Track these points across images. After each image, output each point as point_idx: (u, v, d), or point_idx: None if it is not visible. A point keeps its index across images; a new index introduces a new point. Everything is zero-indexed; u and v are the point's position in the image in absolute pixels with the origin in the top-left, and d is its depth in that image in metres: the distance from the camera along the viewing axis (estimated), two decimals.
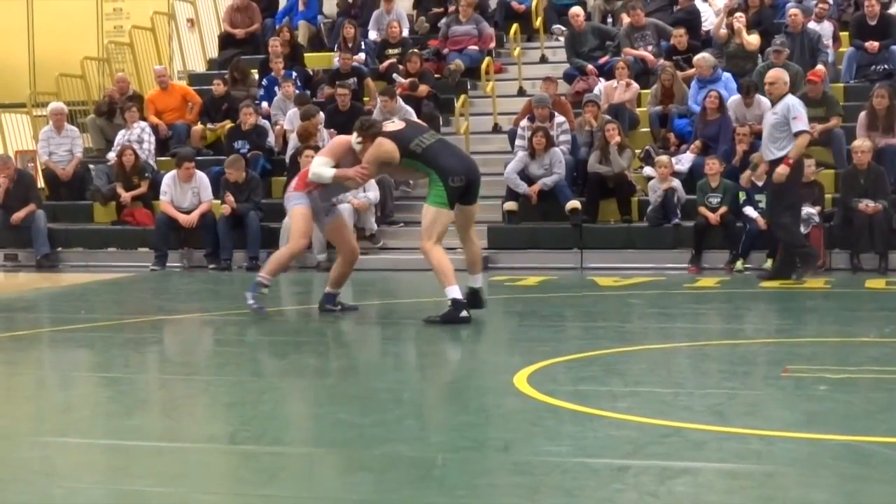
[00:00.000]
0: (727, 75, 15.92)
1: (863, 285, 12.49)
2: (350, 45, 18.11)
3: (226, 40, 20.03)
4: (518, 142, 15.68)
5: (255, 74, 18.30)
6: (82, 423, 6.45)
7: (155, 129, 17.37)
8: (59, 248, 16.34)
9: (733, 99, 15.31)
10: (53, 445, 5.78)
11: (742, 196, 14.06)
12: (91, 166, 17.30)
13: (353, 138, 9.96)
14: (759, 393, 6.92)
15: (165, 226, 15.34)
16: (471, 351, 8.86)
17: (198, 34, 21.11)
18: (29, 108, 19.23)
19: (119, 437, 5.96)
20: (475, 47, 18.24)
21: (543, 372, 7.37)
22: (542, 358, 7.84)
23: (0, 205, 16.15)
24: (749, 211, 13.94)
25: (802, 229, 13.72)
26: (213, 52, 20.66)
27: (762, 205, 13.96)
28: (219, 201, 15.34)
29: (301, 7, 19.89)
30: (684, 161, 15.05)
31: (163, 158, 17.09)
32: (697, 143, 15.08)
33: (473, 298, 10.07)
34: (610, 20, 18.91)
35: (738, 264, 13.85)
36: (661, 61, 16.76)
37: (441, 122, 17.49)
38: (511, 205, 15.23)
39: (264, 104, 17.44)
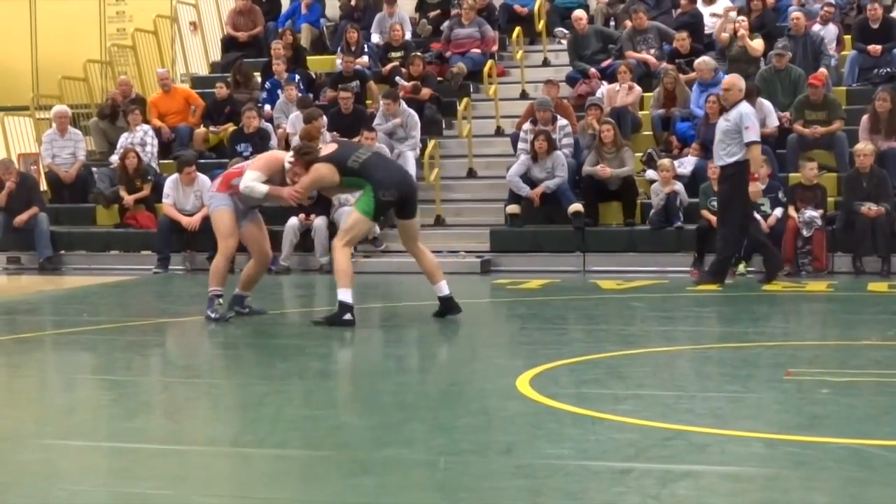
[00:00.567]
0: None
1: (865, 288, 12.49)
2: (353, 48, 18.12)
3: (228, 43, 20.04)
4: (520, 145, 15.69)
5: (258, 77, 18.31)
6: (85, 425, 6.45)
7: (158, 131, 17.38)
8: (62, 251, 16.35)
9: None
10: (56, 448, 5.78)
11: None
12: (94, 169, 17.32)
13: (287, 156, 10.13)
14: (762, 396, 6.92)
15: (168, 228, 15.35)
16: (473, 354, 8.86)
17: (200, 37, 21.12)
18: (32, 110, 19.24)
19: (121, 439, 5.96)
20: (478, 50, 18.24)
21: (546, 375, 7.38)
22: (544, 361, 7.84)
23: (3, 207, 16.16)
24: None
25: (805, 232, 13.75)
26: (216, 55, 20.67)
27: (765, 208, 13.96)
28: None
29: (304, 10, 19.89)
30: (687, 164, 15.05)
31: (165, 161, 17.11)
32: (695, 144, 15.06)
33: (447, 306, 10.22)
34: (612, 23, 18.92)
35: (741, 267, 13.83)
36: (664, 64, 16.76)
37: (443, 126, 17.53)
38: (513, 208, 15.23)
39: (267, 107, 17.45)
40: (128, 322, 10.17)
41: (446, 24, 18.75)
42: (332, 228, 14.93)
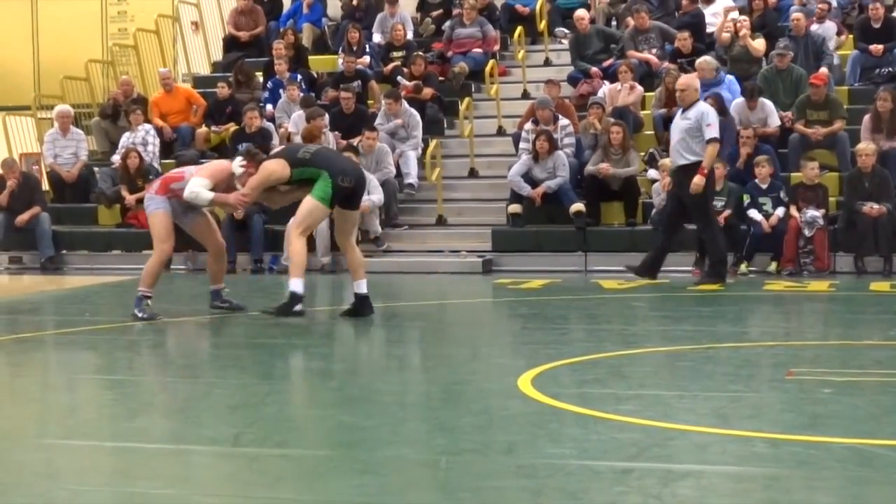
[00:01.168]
0: (730, 78, 15.91)
1: (867, 288, 12.49)
2: (354, 48, 18.12)
3: (230, 43, 20.05)
4: (522, 144, 15.70)
5: (260, 77, 18.31)
6: (86, 425, 6.45)
7: (159, 131, 17.39)
8: (64, 251, 16.37)
9: (737, 102, 15.30)
10: (57, 448, 5.78)
11: (746, 199, 14.06)
12: (95, 169, 17.33)
13: (236, 163, 10.20)
14: (764, 396, 6.92)
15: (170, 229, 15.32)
16: (474, 353, 8.86)
17: (202, 37, 21.12)
18: (33, 110, 19.25)
19: (123, 439, 5.96)
20: (479, 50, 18.24)
21: (547, 374, 7.37)
22: (546, 360, 7.84)
23: (5, 207, 16.17)
24: (753, 214, 13.94)
25: (807, 232, 13.75)
26: (218, 54, 20.67)
27: (766, 207, 13.97)
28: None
29: (305, 10, 19.90)
30: None
31: (167, 161, 17.10)
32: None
33: (361, 305, 10.21)
34: (614, 23, 18.92)
35: (743, 267, 13.85)
36: (666, 64, 16.76)
37: (445, 125, 17.54)
38: (515, 207, 15.23)
39: (269, 107, 17.45)
40: (129, 322, 10.16)
41: (448, 23, 18.75)
42: (334, 227, 14.94)
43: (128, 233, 16.25)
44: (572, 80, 17.59)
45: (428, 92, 17.30)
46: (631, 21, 17.82)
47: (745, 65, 16.44)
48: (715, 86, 15.66)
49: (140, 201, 16.16)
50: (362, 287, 10.19)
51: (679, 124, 12.57)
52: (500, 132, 17.50)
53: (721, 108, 15.04)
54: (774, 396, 6.85)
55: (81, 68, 19.69)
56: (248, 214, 15.11)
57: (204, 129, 17.59)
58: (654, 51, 17.26)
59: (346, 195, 9.96)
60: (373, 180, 15.22)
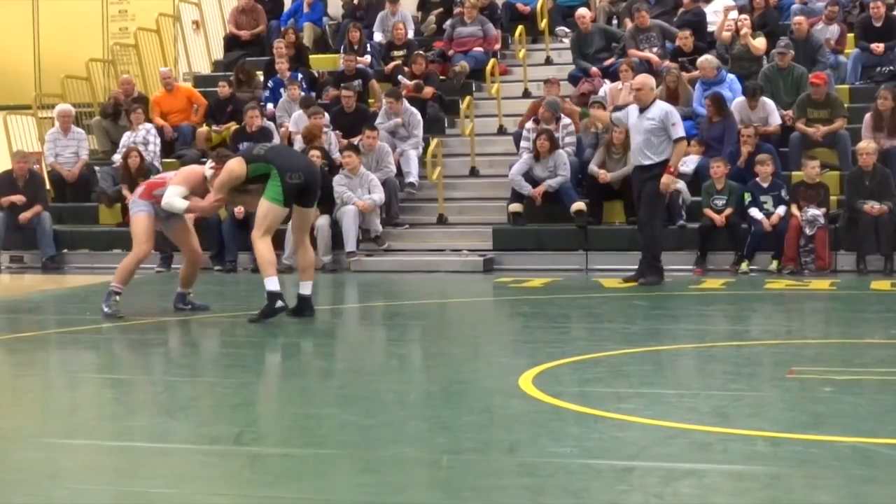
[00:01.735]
0: (731, 77, 15.91)
1: (868, 287, 12.48)
2: (355, 46, 18.12)
3: (231, 42, 20.05)
4: (523, 143, 15.70)
5: (261, 76, 18.31)
6: (87, 424, 6.45)
7: (160, 130, 17.39)
8: (65, 250, 16.38)
9: (738, 101, 15.30)
10: (58, 447, 5.78)
11: (747, 198, 14.06)
12: (96, 168, 17.34)
13: (207, 166, 10.36)
14: (765, 394, 6.92)
15: None
16: (476, 352, 8.86)
17: (203, 36, 21.12)
18: (34, 109, 19.25)
19: (124, 438, 5.96)
20: (480, 49, 18.24)
21: (549, 373, 7.38)
22: (547, 359, 7.84)
23: (7, 205, 16.16)
24: (754, 212, 13.95)
25: (808, 231, 13.75)
26: (219, 53, 20.68)
27: (767, 206, 13.97)
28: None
29: (306, 9, 19.91)
30: (689, 163, 15.03)
31: (168, 160, 17.10)
32: (695, 142, 15.04)
33: (302, 305, 10.25)
34: (615, 21, 18.91)
35: (744, 266, 13.85)
36: (666, 63, 16.76)
37: (446, 124, 17.53)
38: (516, 206, 15.23)
39: (269, 106, 17.45)
40: (130, 321, 10.16)
41: (449, 22, 18.75)
42: (335, 227, 14.97)
43: (128, 232, 16.17)
44: (573, 79, 17.59)
45: (429, 91, 17.30)
46: (629, 21, 17.85)
47: (746, 63, 16.44)
48: (716, 84, 15.67)
49: None
50: (307, 289, 10.26)
51: (641, 125, 12.44)
52: (501, 131, 17.49)
53: (721, 107, 15.07)
54: (775, 395, 6.85)
55: (82, 67, 19.70)
56: (249, 214, 15.11)
57: (205, 128, 17.58)
58: (654, 49, 17.26)
59: (299, 192, 9.98)
60: (373, 179, 15.24)
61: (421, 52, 17.91)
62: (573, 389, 6.99)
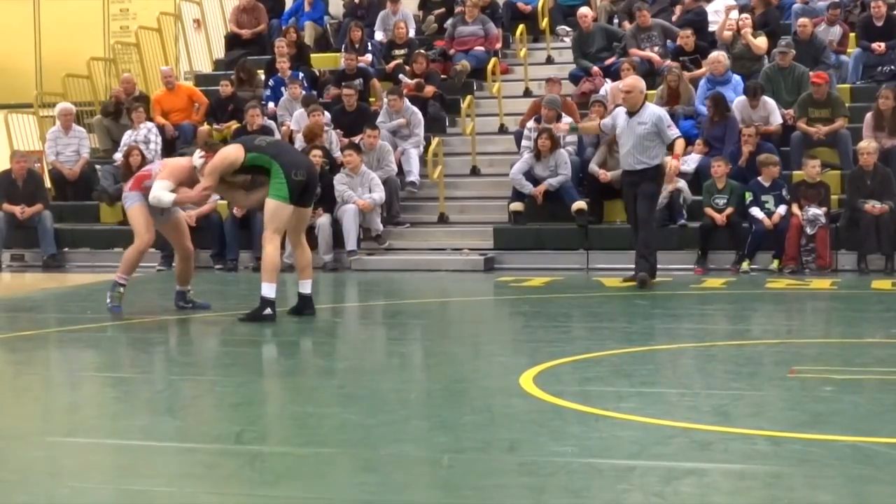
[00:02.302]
0: (737, 78, 15.91)
1: (869, 286, 12.49)
2: (356, 45, 18.12)
3: (232, 41, 20.05)
4: (524, 142, 15.70)
5: (262, 75, 18.32)
6: (89, 422, 6.46)
7: (161, 129, 17.40)
8: (66, 249, 16.38)
9: (739, 100, 15.30)
10: (60, 445, 5.79)
11: (748, 197, 14.07)
12: (97, 167, 17.34)
13: (195, 156, 10.27)
14: (765, 394, 6.92)
15: None
16: (476, 351, 8.86)
17: (204, 35, 21.12)
18: (35, 108, 19.26)
19: (125, 437, 5.97)
20: (481, 48, 18.24)
21: (549, 372, 7.38)
22: (548, 358, 7.84)
23: (9, 202, 16.17)
24: (755, 212, 13.95)
25: (809, 230, 13.75)
26: (220, 52, 20.68)
27: (769, 205, 13.97)
28: (225, 202, 15.34)
29: (307, 7, 19.91)
30: (690, 162, 15.04)
31: (169, 159, 17.10)
32: (699, 142, 15.06)
33: (303, 304, 10.22)
34: (616, 21, 18.92)
35: (745, 265, 13.86)
36: (668, 62, 16.76)
37: (447, 123, 17.53)
38: (517, 205, 15.23)
39: (270, 105, 17.46)
40: (131, 319, 10.17)
41: (450, 21, 18.75)
42: (336, 226, 14.97)
43: (129, 231, 16.13)
44: (574, 79, 17.59)
45: (430, 90, 17.30)
46: (626, 23, 17.85)
47: (748, 62, 16.44)
48: (722, 84, 15.69)
49: None
50: (307, 287, 10.21)
51: (632, 129, 12.16)
52: (502, 130, 17.49)
53: (722, 106, 15.07)
54: (776, 394, 6.85)
55: (83, 66, 19.70)
56: (250, 213, 15.13)
57: (206, 126, 17.59)
58: (655, 49, 17.26)
59: (301, 190, 9.94)
60: (374, 178, 15.24)
61: (422, 51, 17.91)
62: (574, 388, 6.99)
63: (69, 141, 17.38)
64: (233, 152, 10.01)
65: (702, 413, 6.24)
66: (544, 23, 19.26)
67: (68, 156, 17.34)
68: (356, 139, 15.94)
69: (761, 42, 16.50)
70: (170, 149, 17.49)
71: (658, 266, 12.72)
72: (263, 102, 17.39)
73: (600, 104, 15.76)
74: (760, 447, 5.46)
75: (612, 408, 6.25)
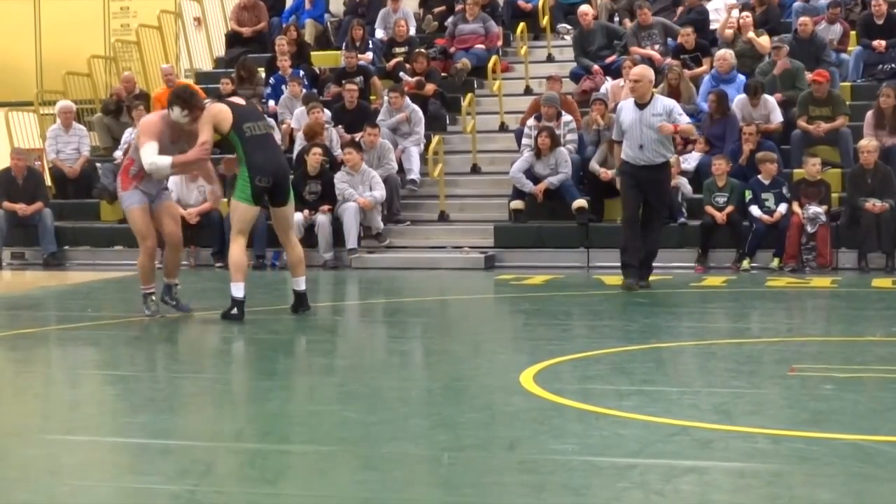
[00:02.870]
0: (742, 77, 15.91)
1: (869, 284, 12.49)
2: (357, 43, 18.12)
3: (233, 39, 20.05)
4: (524, 141, 15.69)
5: (262, 73, 18.31)
6: (89, 420, 6.46)
7: None
8: (66, 247, 16.37)
9: (739, 98, 15.31)
10: (60, 443, 5.78)
11: (749, 195, 14.06)
12: (98, 165, 17.34)
13: (177, 113, 9.78)
14: (766, 392, 6.92)
15: None
16: (477, 349, 8.86)
17: (205, 33, 21.13)
18: (36, 106, 19.26)
19: (125, 434, 5.97)
20: (482, 46, 18.23)
21: (550, 370, 7.38)
22: (548, 356, 7.84)
23: (9, 200, 16.17)
24: (755, 210, 13.95)
25: (809, 228, 13.75)
26: (220, 50, 20.68)
27: (769, 204, 13.97)
28: (225, 199, 15.33)
29: (307, 5, 19.91)
30: (691, 160, 15.05)
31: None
32: (700, 139, 15.05)
33: (298, 301, 10.17)
34: (617, 19, 18.92)
35: (745, 263, 13.86)
36: (668, 60, 16.76)
37: (447, 121, 17.53)
38: (517, 204, 15.23)
39: (271, 103, 17.46)
40: (131, 317, 10.17)
41: (450, 19, 18.75)
42: (336, 223, 14.96)
43: (130, 229, 16.22)
44: (574, 77, 17.59)
45: (430, 88, 17.30)
46: (627, 21, 17.85)
47: (749, 60, 16.44)
48: (727, 82, 15.69)
49: None
50: (300, 284, 10.17)
51: (646, 121, 11.60)
52: (503, 128, 17.49)
53: (724, 105, 15.06)
54: (776, 392, 6.85)
55: (84, 64, 19.70)
56: None
57: None
58: (656, 47, 17.26)
59: (268, 192, 9.87)
60: (375, 176, 15.24)
61: (422, 49, 17.91)
62: (574, 386, 6.99)
63: (70, 139, 17.38)
64: (223, 118, 9.77)
65: (702, 411, 6.24)
66: (545, 21, 19.25)
67: (69, 154, 17.33)
68: (356, 137, 15.93)
69: (765, 41, 16.51)
70: None
71: (659, 264, 12.73)
72: (264, 100, 17.39)
73: (601, 102, 15.76)
74: (761, 445, 5.46)
75: (613, 406, 6.25)
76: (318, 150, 15.04)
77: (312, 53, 18.83)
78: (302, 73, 17.72)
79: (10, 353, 8.87)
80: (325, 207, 14.88)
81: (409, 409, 6.52)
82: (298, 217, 14.89)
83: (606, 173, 14.88)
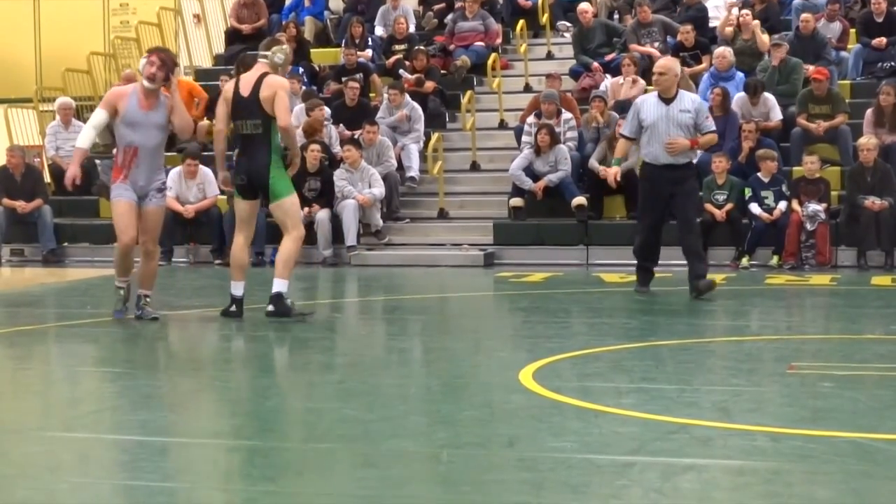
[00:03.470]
0: (741, 75, 15.92)
1: (869, 282, 12.49)
2: (357, 41, 18.11)
3: (232, 36, 20.04)
4: (524, 138, 15.69)
5: None
6: (88, 418, 6.45)
7: None
8: (65, 244, 16.38)
9: (739, 96, 15.31)
10: (59, 440, 5.78)
11: (748, 193, 14.07)
12: (97, 161, 17.33)
13: (144, 81, 9.50)
14: (765, 390, 6.92)
15: (171, 221, 15.32)
16: (476, 347, 8.86)
17: (204, 30, 21.14)
18: (35, 103, 19.26)
19: (125, 432, 5.96)
20: (481, 43, 18.24)
21: (549, 368, 7.38)
22: (547, 354, 7.84)
23: (8, 197, 16.16)
24: (755, 208, 13.95)
25: (808, 226, 13.75)
26: (220, 47, 20.68)
27: (768, 201, 13.97)
28: (224, 197, 15.35)
29: (307, 2, 19.90)
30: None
31: (169, 154, 17.07)
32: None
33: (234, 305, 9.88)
34: (616, 16, 18.93)
35: (744, 261, 13.86)
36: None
37: (447, 119, 17.53)
38: (517, 201, 15.23)
39: None
40: (131, 315, 10.16)
41: (450, 16, 18.76)
42: (336, 221, 14.96)
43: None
44: (574, 74, 17.59)
45: (430, 85, 17.30)
46: (628, 17, 17.85)
47: (748, 58, 16.44)
48: (726, 80, 15.69)
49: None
50: (236, 288, 9.77)
51: (672, 118, 10.76)
52: (502, 126, 17.49)
53: (726, 103, 15.06)
54: (776, 390, 6.85)
55: (83, 61, 19.69)
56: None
57: (206, 121, 17.56)
58: (656, 44, 17.26)
59: (245, 189, 9.76)
60: (374, 173, 15.24)
61: (422, 46, 17.91)
62: (573, 384, 6.99)
63: (69, 136, 17.36)
64: (221, 111, 9.78)
65: (701, 409, 6.24)
66: (544, 18, 19.26)
67: (68, 150, 17.28)
68: (356, 134, 15.93)
69: (767, 38, 16.51)
70: (170, 143, 17.44)
71: (658, 262, 12.70)
72: None
73: (600, 100, 15.76)
74: (760, 443, 5.45)
75: (612, 403, 6.25)
76: (316, 147, 15.03)
77: (312, 51, 18.82)
78: (301, 70, 17.71)
79: (10, 350, 8.86)
80: (316, 207, 14.86)
81: (409, 407, 6.51)
82: None
83: (606, 171, 14.86)
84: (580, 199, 14.87)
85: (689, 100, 10.99)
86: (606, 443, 5.52)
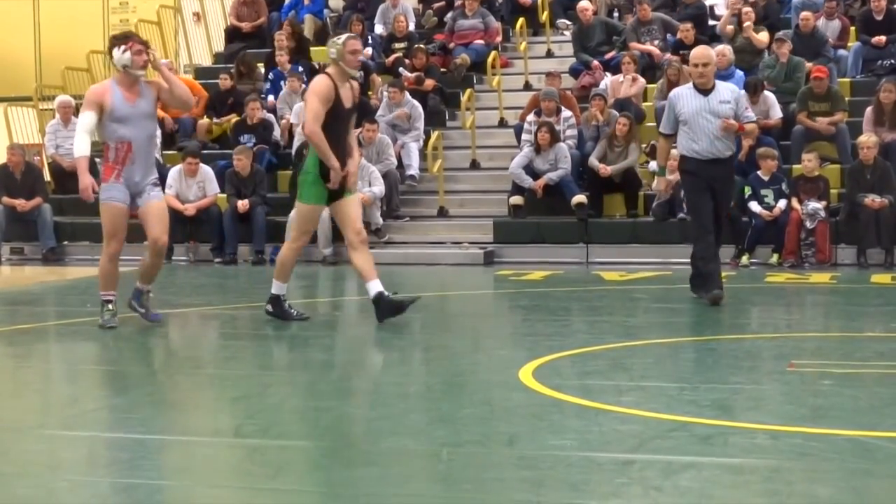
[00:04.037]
0: (740, 73, 15.90)
1: (868, 280, 12.49)
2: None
3: (232, 34, 20.05)
4: (524, 136, 15.70)
5: (262, 68, 18.31)
6: (87, 416, 6.45)
7: (161, 122, 17.32)
8: (65, 242, 16.38)
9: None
10: (59, 438, 5.78)
11: (748, 191, 14.06)
12: (97, 160, 17.28)
13: (118, 56, 9.55)
14: (765, 387, 6.92)
15: (171, 219, 15.31)
16: (476, 345, 8.86)
17: (204, 28, 21.13)
18: (35, 101, 19.25)
19: (124, 430, 5.96)
20: (481, 41, 18.24)
21: (549, 366, 7.37)
22: (547, 352, 7.84)
23: (8, 195, 16.16)
24: (755, 206, 13.94)
25: (808, 224, 13.75)
26: (220, 45, 20.67)
27: (768, 200, 13.97)
28: (224, 195, 15.37)
29: (307, 1, 19.89)
30: None
31: (169, 152, 17.10)
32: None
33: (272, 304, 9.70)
34: (616, 14, 18.93)
35: (744, 259, 13.86)
36: (668, 56, 16.75)
37: (447, 117, 17.53)
38: (517, 199, 15.23)
39: (270, 98, 17.46)
40: (130, 313, 10.15)
41: (450, 14, 18.76)
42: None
43: (129, 224, 16.19)
44: (574, 72, 17.59)
45: (430, 83, 17.29)
46: (629, 16, 17.85)
47: (748, 56, 16.44)
48: (725, 78, 15.64)
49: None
50: (278, 289, 9.61)
51: (713, 110, 10.05)
52: (502, 124, 17.49)
53: None
54: (775, 388, 6.85)
55: (83, 59, 19.70)
56: (251, 205, 15.13)
57: (206, 120, 17.59)
58: (656, 42, 17.26)
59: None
60: (374, 171, 15.24)
61: (422, 44, 17.91)
62: (573, 382, 6.99)
63: (69, 134, 17.30)
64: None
65: (701, 407, 6.24)
66: (544, 16, 19.26)
67: (68, 149, 17.24)
68: (355, 132, 15.91)
69: (763, 37, 16.51)
70: (169, 142, 17.49)
71: (659, 260, 12.72)
72: (263, 96, 17.40)
73: (600, 98, 15.76)
74: (760, 441, 5.45)
75: (612, 401, 6.25)
76: None
77: (312, 49, 18.81)
78: (301, 68, 17.70)
79: (9, 349, 8.86)
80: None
81: (409, 405, 6.51)
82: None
83: (605, 169, 14.88)
84: (580, 198, 14.87)
85: (727, 90, 10.30)
86: (606, 441, 5.52)
